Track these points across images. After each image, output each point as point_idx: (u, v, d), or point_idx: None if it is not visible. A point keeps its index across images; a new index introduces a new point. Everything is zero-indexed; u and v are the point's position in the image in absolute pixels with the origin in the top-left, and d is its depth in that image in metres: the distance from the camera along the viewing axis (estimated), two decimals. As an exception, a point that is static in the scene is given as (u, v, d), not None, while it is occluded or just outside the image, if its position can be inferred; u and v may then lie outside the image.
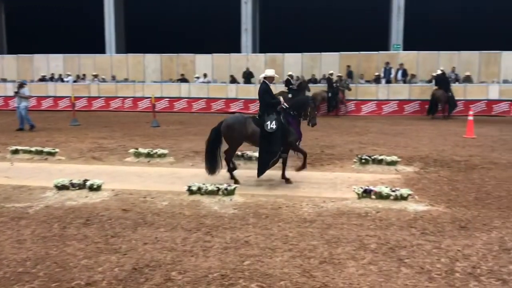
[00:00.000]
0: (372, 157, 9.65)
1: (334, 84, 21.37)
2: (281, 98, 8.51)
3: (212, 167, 8.19)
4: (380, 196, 6.98)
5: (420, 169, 9.36)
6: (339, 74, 22.14)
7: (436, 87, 20.11)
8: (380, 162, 9.54)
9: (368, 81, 22.72)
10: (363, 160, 9.59)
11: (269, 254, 4.98)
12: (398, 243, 5.24)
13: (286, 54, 24.32)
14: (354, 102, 21.82)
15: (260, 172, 8.07)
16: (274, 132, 7.91)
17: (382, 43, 25.49)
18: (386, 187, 7.26)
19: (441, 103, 19.94)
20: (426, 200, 7.06)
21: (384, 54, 23.85)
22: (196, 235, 5.58)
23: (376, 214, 6.41)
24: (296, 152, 8.39)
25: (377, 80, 22.46)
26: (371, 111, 21.83)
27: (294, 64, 24.23)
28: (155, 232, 5.73)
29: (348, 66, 23.24)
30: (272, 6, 28.54)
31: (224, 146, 8.32)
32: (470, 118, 14.43)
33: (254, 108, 22.84)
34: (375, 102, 21.74)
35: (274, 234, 5.57)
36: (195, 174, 8.82)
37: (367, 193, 7.07)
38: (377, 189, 7.10)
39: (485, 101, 21.28)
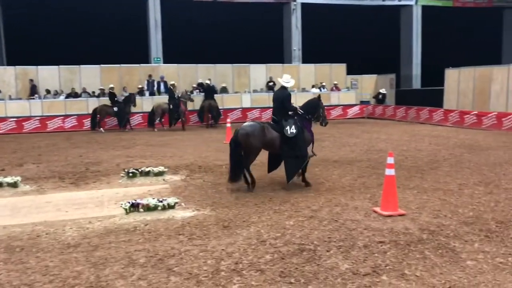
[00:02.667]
0: (140, 170, 9.58)
1: (176, 96, 20.21)
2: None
3: (236, 176, 8.12)
4: (148, 208, 6.92)
5: (186, 176, 9.68)
6: (172, 82, 21.27)
7: (204, 98, 21.40)
8: (147, 174, 9.52)
9: (132, 94, 22.57)
10: (131, 174, 9.43)
11: (25, 291, 4.39)
12: (166, 253, 5.26)
13: (40, 67, 22.36)
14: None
15: (290, 177, 8.25)
16: (294, 136, 8.10)
17: (143, 56, 25.73)
18: (154, 198, 7.25)
19: (212, 113, 21.25)
20: (193, 206, 7.31)
21: (146, 67, 24.13)
22: None
23: (144, 227, 6.33)
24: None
25: (140, 92, 22.53)
26: (138, 124, 21.80)
27: (50, 77, 22.50)
28: None
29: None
30: (19, 13, 25.81)
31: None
32: (228, 125, 15.71)
33: (6, 127, 20.35)
34: (141, 114, 21.75)
35: (32, 267, 4.95)
36: None
37: (134, 207, 6.92)
38: (144, 201, 7.03)
39: (240, 109, 23.54)
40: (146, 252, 5.33)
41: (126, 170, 9.64)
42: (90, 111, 20.71)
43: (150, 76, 23.40)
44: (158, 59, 25.26)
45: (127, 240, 5.79)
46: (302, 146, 8.29)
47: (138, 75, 23.45)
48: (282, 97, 8.46)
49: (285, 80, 8.63)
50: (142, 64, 24.13)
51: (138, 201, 7.05)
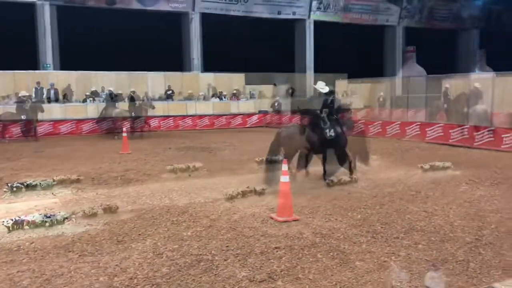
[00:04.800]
0: (25, 184, 8.89)
1: (137, 103, 19.35)
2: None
3: (271, 178, 8.48)
4: (34, 225, 6.44)
5: (78, 189, 9.15)
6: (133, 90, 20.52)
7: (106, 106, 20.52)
8: (34, 187, 8.88)
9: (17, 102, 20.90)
10: (15, 188, 8.72)
11: None
12: (54, 272, 4.91)
13: None
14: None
15: (327, 175, 9.11)
16: (333, 138, 8.80)
17: (31, 62, 23.99)
18: (41, 214, 6.77)
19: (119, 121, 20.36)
20: (85, 221, 6.93)
21: (35, 74, 22.56)
22: None
23: (30, 245, 5.86)
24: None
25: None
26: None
27: None
28: None
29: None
30: None
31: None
32: (125, 134, 15.20)
33: None
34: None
35: None
36: None
37: (18, 224, 6.40)
38: (30, 217, 6.52)
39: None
40: (31, 272, 4.94)
41: (9, 184, 8.89)
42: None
43: (38, 83, 21.88)
44: (48, 65, 23.73)
45: (9, 260, 5.32)
46: (341, 148, 9.09)
47: (25, 82, 21.81)
48: (322, 102, 9.22)
49: (321, 86, 9.33)
50: (30, 71, 22.49)
51: (23, 217, 6.53)
